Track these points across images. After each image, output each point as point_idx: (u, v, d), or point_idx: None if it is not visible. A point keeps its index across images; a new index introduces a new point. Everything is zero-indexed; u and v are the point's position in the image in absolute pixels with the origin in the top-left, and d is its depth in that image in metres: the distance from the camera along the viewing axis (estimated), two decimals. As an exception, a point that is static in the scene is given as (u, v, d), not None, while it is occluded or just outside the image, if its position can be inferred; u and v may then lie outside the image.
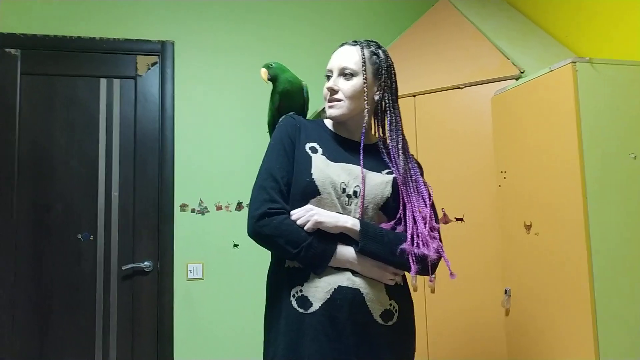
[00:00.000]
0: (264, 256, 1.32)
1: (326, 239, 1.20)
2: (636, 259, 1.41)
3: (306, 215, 1.20)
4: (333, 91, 1.30)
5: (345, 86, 1.29)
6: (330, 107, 1.32)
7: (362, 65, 1.29)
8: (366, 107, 1.30)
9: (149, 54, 2.52)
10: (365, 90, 1.29)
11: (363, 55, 1.30)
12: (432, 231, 1.26)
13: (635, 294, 1.40)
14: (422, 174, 1.38)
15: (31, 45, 2.39)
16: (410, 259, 1.20)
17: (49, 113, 2.40)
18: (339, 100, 1.30)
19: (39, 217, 2.35)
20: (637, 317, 1.40)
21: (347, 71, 1.29)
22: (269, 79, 1.43)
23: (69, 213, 2.38)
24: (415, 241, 1.22)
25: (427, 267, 1.22)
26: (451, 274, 1.28)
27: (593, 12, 2.03)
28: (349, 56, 1.30)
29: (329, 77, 1.34)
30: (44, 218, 2.36)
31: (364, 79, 1.29)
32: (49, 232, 2.36)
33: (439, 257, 1.25)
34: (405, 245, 1.21)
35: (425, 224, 1.25)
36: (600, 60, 1.46)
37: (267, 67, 1.42)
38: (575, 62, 1.44)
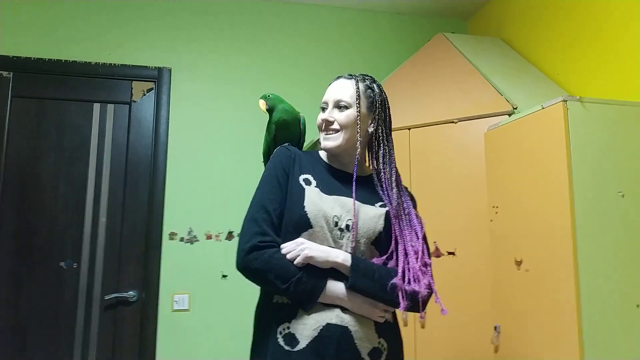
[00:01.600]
0: (253, 288, 1.29)
1: (316, 274, 1.18)
2: (624, 297, 1.40)
3: (297, 249, 1.18)
4: (328, 122, 1.32)
5: (340, 117, 1.30)
6: (325, 138, 1.33)
7: (357, 98, 1.31)
8: (359, 139, 1.30)
9: (145, 80, 2.53)
10: (359, 122, 1.30)
11: (358, 88, 1.32)
12: (424, 266, 1.24)
13: (624, 334, 1.38)
14: (415, 207, 1.37)
15: (24, 67, 2.39)
16: (400, 295, 1.18)
17: (38, 136, 2.38)
18: (335, 131, 1.31)
19: (22, 242, 2.30)
20: (625, 356, 1.37)
21: (342, 103, 1.31)
22: (267, 110, 1.44)
23: (53, 239, 2.33)
24: (406, 276, 1.20)
25: (417, 303, 1.20)
26: (442, 309, 1.26)
27: (583, 52, 2.07)
28: (344, 89, 1.32)
29: (323, 109, 1.35)
30: (26, 243, 2.30)
31: (357, 111, 1.30)
32: (30, 259, 2.30)
33: (430, 293, 1.23)
34: (396, 280, 1.19)
35: (417, 258, 1.23)
36: (590, 99, 1.49)
37: (265, 97, 1.44)
38: (566, 101, 1.46)
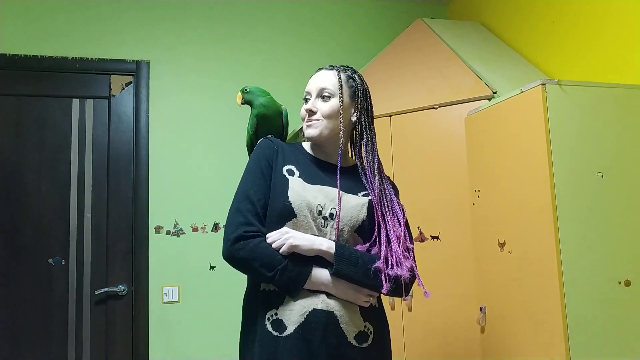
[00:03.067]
0: (241, 278, 1.31)
1: (301, 262, 1.20)
2: (606, 275, 1.44)
3: (282, 238, 1.19)
4: (312, 112, 1.33)
5: (323, 107, 1.32)
6: (308, 126, 1.34)
7: (339, 88, 1.32)
8: (342, 128, 1.32)
9: (124, 73, 2.49)
10: (341, 112, 1.31)
11: (340, 78, 1.33)
12: (406, 251, 1.27)
13: (606, 311, 1.42)
14: (397, 195, 1.39)
15: (0, 64, 2.34)
16: (383, 278, 1.21)
17: (18, 134, 2.34)
18: (318, 120, 1.32)
19: (8, 241, 2.28)
20: (609, 334, 1.41)
21: (325, 92, 1.32)
22: (243, 103, 1.43)
23: (40, 236, 2.32)
24: (389, 261, 1.23)
25: (400, 286, 1.23)
26: (425, 292, 1.29)
27: (563, 35, 2.10)
28: (327, 79, 1.34)
29: (306, 100, 1.36)
30: (13, 242, 2.29)
31: (340, 100, 1.31)
32: (18, 257, 2.28)
33: (413, 276, 1.26)
34: (379, 264, 1.22)
35: (399, 243, 1.26)
36: (569, 82, 1.51)
37: (243, 91, 1.44)
38: (544, 84, 1.48)
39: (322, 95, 1.32)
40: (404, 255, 1.25)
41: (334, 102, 1.31)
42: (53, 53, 2.41)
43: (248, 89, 1.43)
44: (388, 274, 1.21)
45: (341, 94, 1.32)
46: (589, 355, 1.39)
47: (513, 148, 1.61)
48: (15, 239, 2.29)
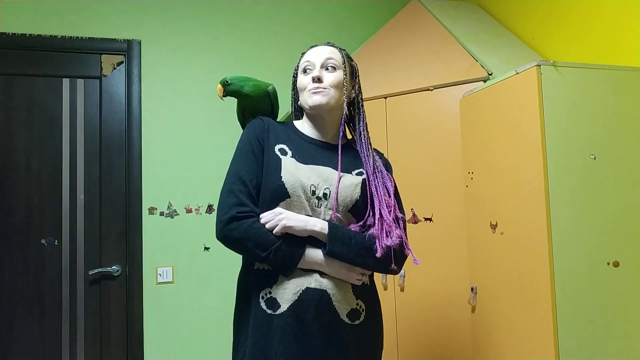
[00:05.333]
0: (235, 259, 1.31)
1: (295, 242, 1.20)
2: (595, 256, 1.46)
3: (275, 219, 1.20)
4: (319, 80, 1.30)
5: (330, 76, 1.31)
6: (315, 93, 1.30)
7: (343, 62, 1.34)
8: (345, 100, 1.33)
9: (115, 53, 2.45)
10: (345, 84, 1.33)
11: (342, 54, 1.35)
12: (395, 220, 1.28)
13: (594, 292, 1.44)
14: (390, 172, 1.41)
15: (-13, 43, 2.30)
16: (378, 244, 1.22)
17: (7, 114, 2.31)
18: (325, 88, 1.30)
19: (1, 222, 2.27)
20: (596, 314, 1.44)
21: (331, 62, 1.32)
22: (225, 95, 1.37)
23: (32, 217, 2.31)
24: (383, 229, 1.24)
25: (389, 255, 1.23)
26: (414, 260, 1.29)
27: (558, 16, 2.08)
28: (331, 51, 1.35)
29: (305, 71, 1.34)
30: (5, 223, 2.27)
31: (344, 73, 1.33)
32: (10, 238, 2.27)
33: (401, 244, 1.25)
34: (374, 230, 1.24)
35: (390, 212, 1.27)
36: (564, 63, 1.50)
37: (223, 83, 1.36)
38: (539, 65, 1.47)
39: (328, 66, 1.32)
40: (393, 225, 1.26)
41: (340, 74, 1.32)
42: (42, 32, 2.36)
43: (229, 80, 1.36)
44: (382, 241, 1.23)
45: (345, 69, 1.34)
46: (577, 335, 1.41)
47: (507, 130, 1.61)
48: (7, 220, 2.28)
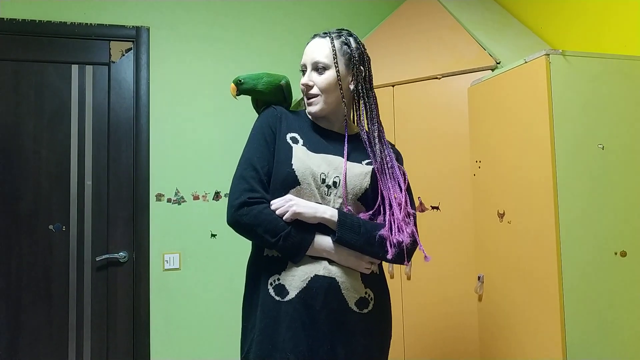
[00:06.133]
0: (242, 246, 1.33)
1: (304, 228, 1.21)
2: (603, 246, 1.46)
3: (285, 205, 1.21)
4: (308, 87, 1.32)
5: (319, 80, 1.30)
6: (309, 104, 1.34)
7: (334, 58, 1.30)
8: (343, 100, 1.32)
9: (123, 39, 2.45)
10: (340, 83, 1.30)
11: (333, 46, 1.30)
12: (407, 217, 1.28)
13: (602, 282, 1.45)
14: (401, 162, 1.40)
15: (-3, 28, 2.30)
16: (388, 244, 1.22)
17: (16, 99, 2.32)
18: (316, 96, 1.31)
19: (9, 208, 2.29)
20: (604, 304, 1.45)
21: (320, 65, 1.30)
22: (239, 94, 1.39)
23: (40, 203, 2.32)
24: (392, 227, 1.24)
25: (403, 252, 1.24)
26: (425, 256, 1.31)
27: (567, 6, 2.07)
28: (320, 49, 1.31)
29: (303, 72, 1.35)
30: (13, 209, 2.29)
31: (336, 71, 1.30)
32: (19, 223, 2.29)
33: (414, 242, 1.27)
34: (383, 232, 1.23)
35: (400, 209, 1.27)
36: (573, 52, 1.49)
37: (236, 82, 1.38)
38: (548, 54, 1.47)
39: (317, 68, 1.31)
40: (404, 221, 1.26)
41: (329, 75, 1.30)
42: (51, 18, 2.36)
43: (242, 80, 1.38)
44: (392, 241, 1.23)
45: (336, 64, 1.29)
46: (584, 324, 1.42)
47: (515, 119, 1.61)
48: (16, 205, 2.30)
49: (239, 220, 1.21)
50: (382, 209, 1.28)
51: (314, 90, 1.31)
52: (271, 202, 1.23)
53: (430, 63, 2.02)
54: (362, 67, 1.33)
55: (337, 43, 1.31)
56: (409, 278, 1.96)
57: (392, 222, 1.25)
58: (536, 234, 1.51)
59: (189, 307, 2.45)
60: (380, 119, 1.36)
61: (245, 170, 1.25)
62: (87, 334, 2.34)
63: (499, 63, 1.86)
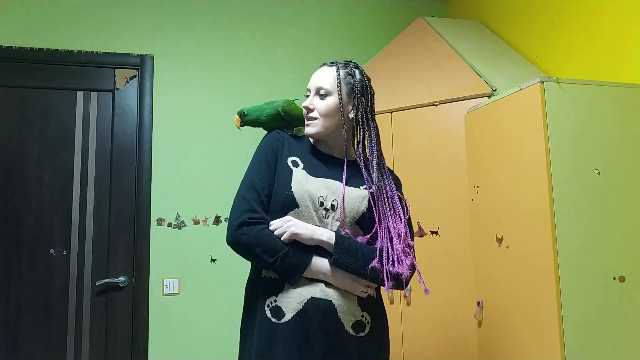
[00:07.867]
0: (241, 271, 1.34)
1: (302, 250, 1.23)
2: (601, 271, 1.46)
3: (284, 226, 1.23)
4: (309, 110, 1.36)
5: (320, 105, 1.34)
6: (307, 125, 1.37)
7: (337, 86, 1.33)
8: (344, 126, 1.35)
9: (128, 67, 2.51)
10: (342, 110, 1.33)
11: (338, 75, 1.34)
12: (407, 247, 1.29)
13: (600, 305, 1.44)
14: (400, 189, 1.41)
15: (5, 56, 2.36)
16: (385, 276, 1.23)
17: (22, 126, 2.36)
18: (315, 119, 1.35)
19: (10, 232, 2.30)
20: (603, 329, 1.44)
21: (322, 91, 1.34)
22: (242, 126, 1.47)
23: (42, 227, 2.34)
24: (389, 257, 1.24)
25: (401, 282, 1.25)
26: (426, 289, 1.32)
27: (561, 33, 2.12)
28: (325, 77, 1.35)
29: (307, 97, 1.39)
30: (15, 232, 2.30)
31: (339, 98, 1.33)
32: (19, 247, 2.30)
33: (413, 272, 1.28)
34: (375, 264, 1.23)
35: (400, 241, 1.27)
36: (567, 80, 1.53)
37: (241, 114, 1.45)
38: (543, 82, 1.50)
39: (320, 94, 1.35)
40: (404, 252, 1.27)
41: (330, 101, 1.33)
42: (58, 46, 2.43)
43: (246, 112, 1.44)
44: (390, 272, 1.23)
45: (340, 91, 1.33)
46: (584, 349, 1.41)
47: (512, 145, 1.63)
48: (17, 229, 2.31)
49: (238, 240, 1.23)
50: (379, 237, 1.28)
51: (314, 114, 1.35)
52: (270, 223, 1.25)
53: (428, 90, 2.06)
54: (363, 98, 1.36)
55: (342, 72, 1.35)
56: (408, 304, 1.95)
57: (391, 253, 1.25)
58: (534, 259, 1.51)
59: (187, 332, 2.43)
60: (382, 149, 1.38)
61: (247, 192, 1.28)
62: (84, 357, 2.31)
63: (495, 90, 1.90)
